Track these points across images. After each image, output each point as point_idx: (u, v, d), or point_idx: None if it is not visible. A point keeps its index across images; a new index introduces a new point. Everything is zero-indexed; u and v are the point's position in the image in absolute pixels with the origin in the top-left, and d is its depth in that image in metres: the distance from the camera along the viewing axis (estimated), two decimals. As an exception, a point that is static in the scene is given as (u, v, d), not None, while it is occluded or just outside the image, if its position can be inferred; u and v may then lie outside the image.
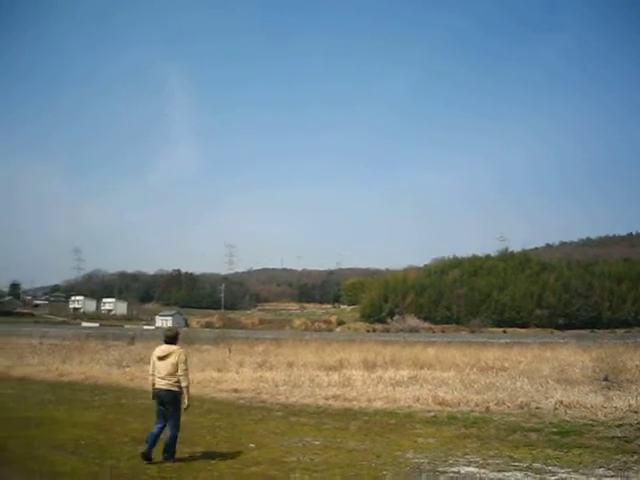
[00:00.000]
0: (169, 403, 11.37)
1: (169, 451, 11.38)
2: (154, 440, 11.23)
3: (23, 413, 17.23)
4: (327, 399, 20.18)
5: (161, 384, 11.34)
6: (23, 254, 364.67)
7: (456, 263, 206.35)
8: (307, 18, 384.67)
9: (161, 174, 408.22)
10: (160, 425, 11.39)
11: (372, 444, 13.26)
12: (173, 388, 11.31)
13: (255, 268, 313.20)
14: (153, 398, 11.55)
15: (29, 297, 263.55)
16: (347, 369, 27.35)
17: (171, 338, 11.66)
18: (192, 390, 22.71)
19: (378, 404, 19.07)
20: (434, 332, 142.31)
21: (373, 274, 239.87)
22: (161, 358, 11.43)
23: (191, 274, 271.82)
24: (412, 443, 13.38)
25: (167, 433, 11.35)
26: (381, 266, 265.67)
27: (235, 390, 22.44)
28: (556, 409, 17.30)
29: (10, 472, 10.68)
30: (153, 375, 11.49)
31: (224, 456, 11.96)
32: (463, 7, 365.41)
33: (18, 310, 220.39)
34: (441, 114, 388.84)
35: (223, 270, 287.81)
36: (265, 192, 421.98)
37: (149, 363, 11.65)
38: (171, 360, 11.35)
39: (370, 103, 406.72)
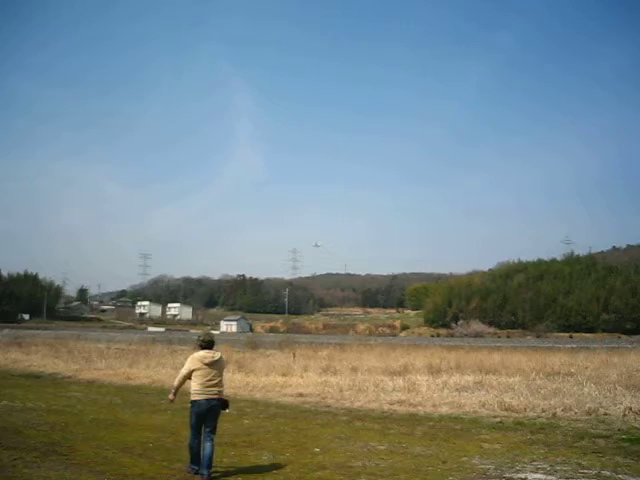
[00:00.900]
0: (217, 413, 10.84)
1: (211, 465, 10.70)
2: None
3: (92, 415, 17.53)
4: (392, 404, 20.13)
5: (213, 393, 10.64)
6: (90, 260, 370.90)
7: (521, 267, 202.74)
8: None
9: (225, 182, 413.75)
10: (199, 440, 10.71)
11: (438, 449, 13.18)
12: (222, 396, 10.90)
13: (319, 273, 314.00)
14: (203, 412, 10.59)
15: (96, 302, 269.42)
16: (412, 374, 27.22)
17: (211, 343, 10.99)
18: (257, 394, 23.00)
19: (443, 409, 18.97)
20: (499, 337, 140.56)
21: (437, 279, 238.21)
22: (212, 364, 10.73)
23: (255, 279, 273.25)
24: (478, 449, 13.27)
25: (208, 446, 10.61)
26: (445, 270, 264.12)
27: (300, 394, 22.49)
28: (625, 415, 17.00)
29: (80, 473, 10.85)
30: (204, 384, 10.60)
31: (289, 460, 11.99)
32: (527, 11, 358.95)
33: (86, 315, 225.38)
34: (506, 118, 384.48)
35: (287, 275, 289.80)
36: (328, 197, 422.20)
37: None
38: (222, 365, 11.05)
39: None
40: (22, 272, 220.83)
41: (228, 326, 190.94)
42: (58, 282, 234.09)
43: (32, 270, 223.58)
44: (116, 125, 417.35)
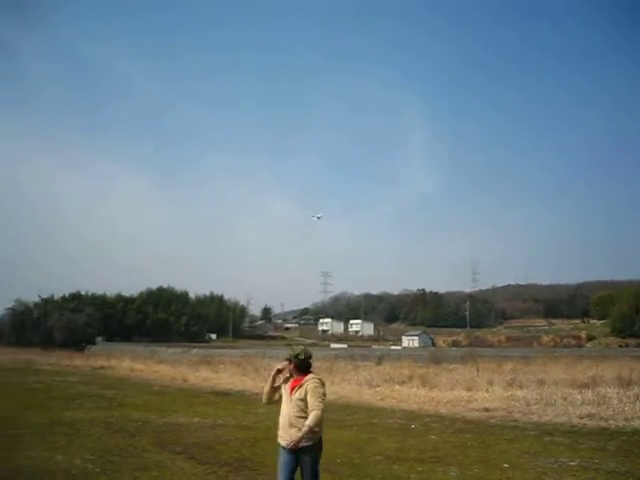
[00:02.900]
0: None
1: None
2: None
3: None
4: (581, 418, 19.63)
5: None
6: (274, 280, 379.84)
7: None
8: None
9: (403, 196, 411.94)
10: None
11: (633, 466, 12.73)
12: None
13: (499, 285, 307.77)
14: None
15: (279, 321, 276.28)
16: (600, 386, 26.35)
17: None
18: (442, 409, 22.92)
19: (636, 423, 18.33)
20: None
21: (623, 285, 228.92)
22: None
23: (435, 293, 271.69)
24: (679, 465, 12.73)
25: None
26: (631, 276, 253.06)
27: (485, 409, 22.27)
28: None
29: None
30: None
31: (478, 476, 11.88)
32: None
33: (270, 333, 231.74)
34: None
35: (467, 288, 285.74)
36: (504, 204, 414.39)
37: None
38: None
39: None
40: (208, 294, 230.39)
41: (410, 341, 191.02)
42: (243, 302, 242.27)
43: (218, 291, 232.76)
44: (293, 147, 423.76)
